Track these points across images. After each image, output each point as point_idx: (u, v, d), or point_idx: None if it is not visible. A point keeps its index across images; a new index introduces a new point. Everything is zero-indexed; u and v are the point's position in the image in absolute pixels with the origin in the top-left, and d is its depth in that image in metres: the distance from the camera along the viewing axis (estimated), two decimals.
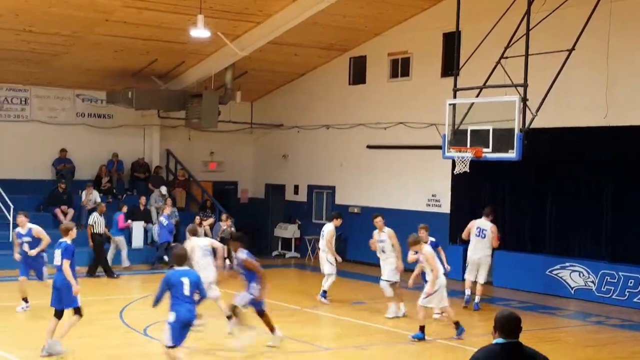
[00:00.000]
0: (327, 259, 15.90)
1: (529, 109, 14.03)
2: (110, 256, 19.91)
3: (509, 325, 5.22)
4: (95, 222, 18.94)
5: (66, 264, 10.71)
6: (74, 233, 11.01)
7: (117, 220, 20.19)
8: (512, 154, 14.09)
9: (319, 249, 16.39)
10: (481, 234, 15.89)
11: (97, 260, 18.77)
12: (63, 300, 10.84)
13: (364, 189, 22.22)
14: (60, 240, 10.90)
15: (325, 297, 15.80)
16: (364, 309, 15.32)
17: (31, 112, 22.32)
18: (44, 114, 22.45)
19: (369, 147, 22.04)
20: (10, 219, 19.79)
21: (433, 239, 14.23)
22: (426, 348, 12.12)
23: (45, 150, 22.22)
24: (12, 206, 19.89)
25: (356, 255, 21.80)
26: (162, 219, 20.62)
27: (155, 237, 21.31)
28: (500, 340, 5.22)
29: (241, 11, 18.42)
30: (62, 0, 16.91)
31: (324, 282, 15.86)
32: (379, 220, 14.99)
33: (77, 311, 10.88)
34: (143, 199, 21.89)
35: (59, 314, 10.93)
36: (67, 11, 17.43)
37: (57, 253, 10.82)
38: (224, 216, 21.64)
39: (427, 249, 12.87)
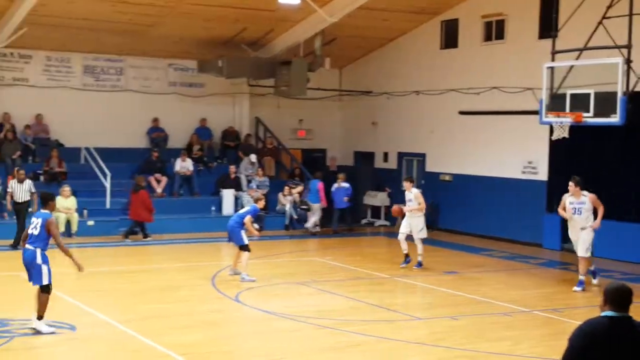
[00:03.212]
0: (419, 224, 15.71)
1: (633, 71, 13.36)
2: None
3: (620, 298, 4.90)
4: (14, 190, 18.03)
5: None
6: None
7: (318, 189, 21.10)
8: (614, 119, 13.48)
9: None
10: (577, 211, 13.96)
11: (20, 229, 17.23)
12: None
13: (456, 156, 21.77)
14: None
15: (421, 265, 15.75)
16: (455, 278, 15.03)
17: (126, 82, 22.78)
18: (137, 84, 22.86)
19: (460, 113, 21.51)
20: (108, 186, 20.34)
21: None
22: (522, 320, 11.77)
23: (139, 119, 22.66)
24: (109, 174, 20.42)
25: (449, 224, 21.42)
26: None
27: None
28: (610, 313, 4.91)
29: None
30: None
31: (420, 249, 15.70)
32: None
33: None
34: (233, 168, 22.09)
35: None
36: None
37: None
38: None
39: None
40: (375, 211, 23.88)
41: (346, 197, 21.70)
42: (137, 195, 19.21)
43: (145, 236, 19.27)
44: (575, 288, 13.51)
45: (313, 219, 21.34)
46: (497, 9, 20.37)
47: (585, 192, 13.57)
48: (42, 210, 10.43)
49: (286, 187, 22.08)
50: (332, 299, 12.92)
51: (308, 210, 21.49)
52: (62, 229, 18.92)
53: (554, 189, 18.61)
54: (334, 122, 25.59)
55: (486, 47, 20.88)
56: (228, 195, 21.44)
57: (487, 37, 20.90)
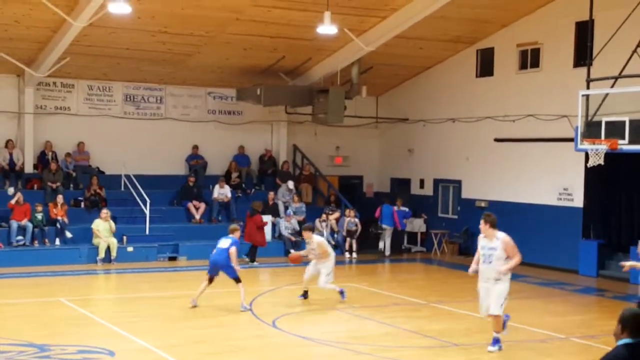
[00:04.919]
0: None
1: None
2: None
3: (637, 324, 4.78)
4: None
5: None
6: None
7: (392, 213, 21.81)
8: None
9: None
10: (487, 258, 11.40)
11: None
12: None
13: (491, 183, 21.80)
14: None
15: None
16: None
17: (166, 110, 23.21)
18: (177, 112, 23.29)
19: (496, 140, 21.57)
20: (147, 212, 20.68)
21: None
22: (558, 346, 11.75)
23: (178, 146, 23.04)
24: (148, 200, 20.76)
25: None
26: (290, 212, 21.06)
27: (282, 231, 21.71)
28: (627, 340, 4.78)
29: (367, 6, 18.47)
30: (196, 1, 17.49)
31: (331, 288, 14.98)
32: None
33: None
34: (272, 194, 22.33)
35: None
36: (200, 12, 18.01)
37: None
38: (349, 211, 21.83)
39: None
40: (412, 237, 23.94)
41: (406, 220, 22.31)
42: (252, 219, 19.80)
43: (252, 260, 19.58)
44: (490, 348, 11.06)
45: (385, 242, 21.93)
46: (533, 37, 20.48)
47: (499, 234, 10.76)
48: None
49: (323, 214, 22.27)
50: (368, 325, 12.96)
51: (380, 233, 21.98)
52: (101, 255, 19.30)
53: (590, 216, 18.58)
54: (371, 149, 25.78)
55: (521, 75, 20.98)
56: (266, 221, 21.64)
57: (523, 66, 21.00)
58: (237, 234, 14.21)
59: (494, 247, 10.69)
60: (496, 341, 11.15)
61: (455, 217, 22.90)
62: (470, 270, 11.31)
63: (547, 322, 13.30)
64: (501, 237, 10.72)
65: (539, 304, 15.33)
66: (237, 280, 13.83)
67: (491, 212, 11.32)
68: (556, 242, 19.69)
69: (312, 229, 15.25)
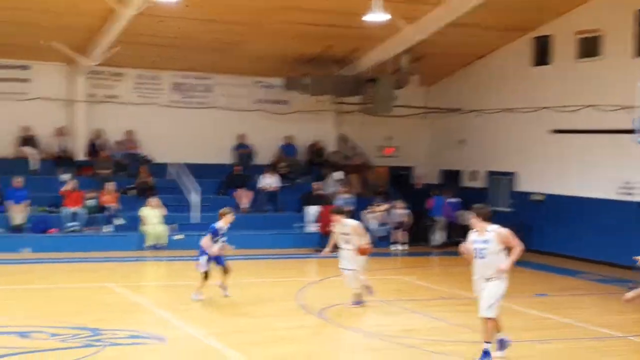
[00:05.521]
0: None
1: None
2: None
3: None
4: None
5: None
6: None
7: (444, 205, 21.79)
8: None
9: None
10: (479, 253, 10.10)
11: None
12: None
13: (548, 176, 21.14)
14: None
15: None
16: (546, 301, 14.48)
17: (213, 99, 23.09)
18: (224, 101, 23.18)
19: (554, 131, 20.90)
20: (197, 200, 20.62)
21: None
22: (617, 345, 11.21)
23: (225, 135, 22.94)
24: (199, 189, 20.71)
25: (539, 245, 20.74)
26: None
27: None
28: None
29: None
30: None
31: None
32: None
33: None
34: (316, 184, 22.07)
35: None
36: (248, 0, 17.77)
37: None
38: (397, 202, 21.44)
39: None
40: (464, 230, 23.34)
41: (456, 211, 21.85)
42: (326, 209, 19.55)
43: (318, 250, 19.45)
44: None
45: (437, 234, 21.64)
46: (593, 25, 19.75)
47: (491, 227, 9.58)
48: None
49: (370, 206, 21.89)
50: (417, 318, 12.66)
51: (431, 225, 21.75)
52: (150, 242, 19.28)
53: None
54: (420, 140, 25.30)
55: (581, 64, 20.27)
56: (311, 211, 21.38)
57: (582, 54, 20.27)
58: (226, 218, 13.36)
59: (487, 239, 9.51)
60: (485, 354, 9.47)
61: (509, 210, 22.26)
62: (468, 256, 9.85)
63: (605, 320, 12.78)
64: (493, 228, 9.56)
65: (596, 300, 14.82)
66: (225, 270, 13.43)
67: (484, 205, 10.41)
68: (616, 238, 18.98)
69: (343, 212, 13.49)
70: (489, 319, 9.51)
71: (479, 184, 23.54)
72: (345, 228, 12.93)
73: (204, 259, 13.32)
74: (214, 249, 13.25)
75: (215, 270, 13.53)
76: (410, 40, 20.08)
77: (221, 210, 13.62)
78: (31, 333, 10.49)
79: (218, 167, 22.54)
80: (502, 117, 22.44)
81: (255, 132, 23.26)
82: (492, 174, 23.15)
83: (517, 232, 16.93)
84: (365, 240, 13.05)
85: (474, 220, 9.70)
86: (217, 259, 13.39)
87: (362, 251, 12.98)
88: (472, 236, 9.76)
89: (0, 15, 18.07)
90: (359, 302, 13.08)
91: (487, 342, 9.55)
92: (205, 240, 13.29)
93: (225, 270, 13.52)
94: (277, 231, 21.03)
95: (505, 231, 9.56)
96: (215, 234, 13.31)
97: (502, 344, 9.81)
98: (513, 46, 22.15)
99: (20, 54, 20.75)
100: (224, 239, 13.43)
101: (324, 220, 19.78)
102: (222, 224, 13.37)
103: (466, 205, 22.88)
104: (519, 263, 14.52)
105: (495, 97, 22.72)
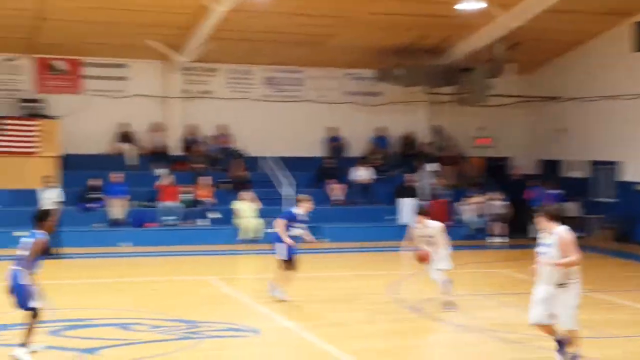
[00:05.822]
0: None
1: None
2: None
3: None
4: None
5: None
6: None
7: (545, 196, 20.66)
8: None
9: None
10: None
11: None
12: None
13: None
14: None
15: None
16: None
17: (305, 92, 23.10)
18: (316, 94, 23.15)
19: None
20: (291, 193, 20.61)
21: None
22: None
23: (317, 128, 22.93)
24: (294, 182, 20.79)
25: None
26: None
27: None
28: None
29: None
30: None
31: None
32: None
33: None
34: (409, 176, 21.78)
35: None
36: None
37: None
38: (495, 194, 20.90)
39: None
40: (565, 222, 22.57)
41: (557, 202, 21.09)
42: (437, 202, 19.58)
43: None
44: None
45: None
46: None
47: (557, 229, 8.61)
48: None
49: (464, 198, 21.44)
50: (518, 313, 12.15)
51: (531, 217, 21.02)
52: (245, 235, 19.41)
53: None
54: (517, 130, 24.63)
55: None
56: (405, 203, 21.11)
57: None
58: (305, 205, 12.42)
59: (550, 243, 8.54)
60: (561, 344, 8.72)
61: (612, 200, 21.39)
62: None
63: None
64: (558, 231, 8.56)
65: None
66: (290, 265, 12.28)
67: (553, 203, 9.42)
68: None
69: (427, 213, 12.45)
70: (574, 330, 8.81)
71: (580, 173, 22.72)
72: (429, 230, 12.01)
73: (282, 246, 12.20)
74: (295, 233, 12.08)
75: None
76: (506, 28, 19.55)
77: (299, 196, 12.85)
78: (132, 325, 10.67)
79: (310, 160, 22.55)
80: (604, 104, 21.60)
81: (346, 125, 23.16)
82: (594, 163, 22.30)
83: (622, 223, 16.39)
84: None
85: (539, 220, 8.73)
86: (289, 250, 12.30)
87: (421, 258, 12.10)
88: (540, 238, 8.84)
89: (97, 16, 18.55)
90: (450, 307, 12.11)
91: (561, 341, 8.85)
92: (279, 224, 12.16)
93: (290, 265, 12.38)
94: (370, 224, 20.86)
95: (568, 237, 8.58)
96: (291, 219, 12.29)
97: (561, 346, 8.86)
98: (613, 32, 21.29)
99: (117, 53, 21.29)
100: (303, 226, 12.43)
101: (433, 212, 19.31)
102: (301, 210, 12.43)
103: (567, 196, 22.21)
104: (618, 254, 13.77)
105: (596, 84, 21.88)
